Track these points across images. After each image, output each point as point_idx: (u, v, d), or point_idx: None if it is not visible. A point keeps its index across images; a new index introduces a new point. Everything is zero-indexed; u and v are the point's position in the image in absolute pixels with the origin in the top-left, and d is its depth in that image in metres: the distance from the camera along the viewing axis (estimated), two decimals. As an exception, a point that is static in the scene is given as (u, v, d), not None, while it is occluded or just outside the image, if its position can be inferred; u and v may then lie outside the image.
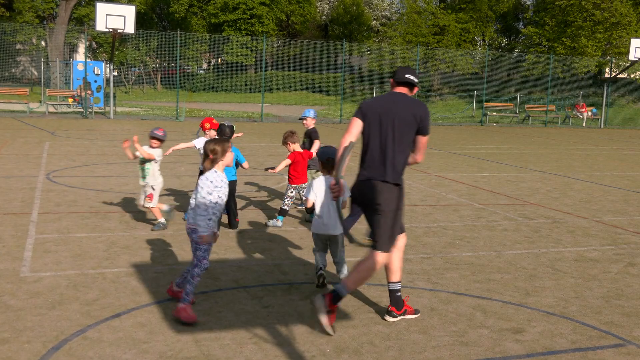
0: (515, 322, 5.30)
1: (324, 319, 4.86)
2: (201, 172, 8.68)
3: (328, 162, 5.99)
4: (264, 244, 7.51)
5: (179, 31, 31.41)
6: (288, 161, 8.49)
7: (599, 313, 5.59)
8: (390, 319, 5.22)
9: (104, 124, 24.16)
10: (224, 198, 5.19)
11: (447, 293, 5.98)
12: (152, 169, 7.91)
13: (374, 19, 59.81)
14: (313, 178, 7.87)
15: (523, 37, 53.13)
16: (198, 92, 47.51)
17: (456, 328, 5.12)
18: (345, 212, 6.10)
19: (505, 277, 6.55)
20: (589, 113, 36.26)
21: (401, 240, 5.27)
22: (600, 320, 5.42)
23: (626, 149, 22.27)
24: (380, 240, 4.98)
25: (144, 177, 7.92)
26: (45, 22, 47.76)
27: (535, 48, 48.26)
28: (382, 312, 5.37)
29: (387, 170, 4.96)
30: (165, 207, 8.06)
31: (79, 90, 29.22)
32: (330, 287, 5.87)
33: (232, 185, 8.24)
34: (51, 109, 29.25)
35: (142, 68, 49.70)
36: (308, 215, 8.64)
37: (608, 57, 44.95)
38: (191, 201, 5.23)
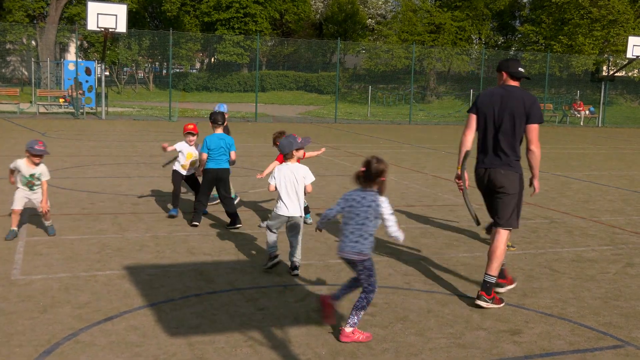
0: (513, 324, 5.25)
1: (502, 290, 5.88)
2: (175, 173, 8.65)
3: (287, 155, 6.46)
4: (258, 246, 7.45)
5: (171, 30, 31.28)
6: (276, 163, 8.32)
7: (597, 314, 5.54)
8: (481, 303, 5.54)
9: (96, 125, 24.05)
10: None
11: (444, 294, 5.93)
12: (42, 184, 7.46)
13: (369, 17, 59.85)
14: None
15: (520, 35, 53.20)
16: (191, 91, 47.41)
17: (453, 330, 5.07)
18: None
19: (502, 278, 6.50)
20: (587, 112, 36.31)
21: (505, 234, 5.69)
22: (599, 321, 5.38)
23: (624, 148, 22.28)
24: (504, 218, 5.64)
25: (32, 189, 7.48)
26: (35, 22, 47.58)
27: (532, 46, 48.33)
28: (377, 313, 5.33)
29: (502, 159, 5.64)
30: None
31: (70, 91, 29.08)
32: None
33: (225, 173, 8.19)
34: (42, 110, 29.12)
35: (134, 68, 49.58)
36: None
37: (605, 55, 45.01)
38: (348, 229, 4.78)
